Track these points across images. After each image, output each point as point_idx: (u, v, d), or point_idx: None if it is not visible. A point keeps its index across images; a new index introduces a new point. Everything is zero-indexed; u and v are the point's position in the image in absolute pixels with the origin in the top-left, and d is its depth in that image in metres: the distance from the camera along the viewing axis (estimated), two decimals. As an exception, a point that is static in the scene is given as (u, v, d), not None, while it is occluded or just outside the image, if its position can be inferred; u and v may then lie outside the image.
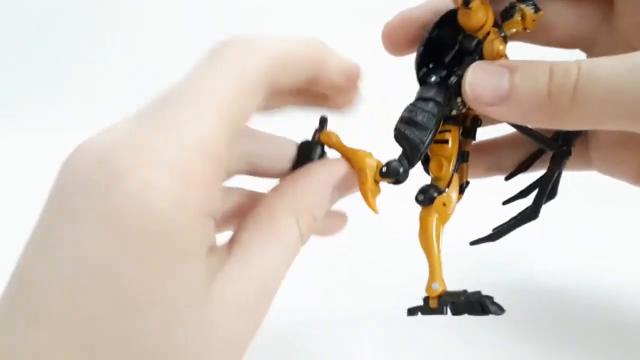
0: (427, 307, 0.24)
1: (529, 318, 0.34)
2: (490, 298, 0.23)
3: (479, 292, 0.24)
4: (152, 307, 0.17)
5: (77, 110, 0.61)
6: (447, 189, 0.25)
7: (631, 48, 0.25)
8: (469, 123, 0.27)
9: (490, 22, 0.24)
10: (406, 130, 0.24)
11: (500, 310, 0.23)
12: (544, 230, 0.28)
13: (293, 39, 0.22)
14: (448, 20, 0.25)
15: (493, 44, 0.24)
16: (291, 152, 0.26)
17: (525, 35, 0.27)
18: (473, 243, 0.28)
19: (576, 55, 0.28)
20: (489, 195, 0.31)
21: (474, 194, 0.27)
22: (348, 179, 0.25)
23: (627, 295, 0.36)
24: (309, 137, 0.27)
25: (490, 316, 0.23)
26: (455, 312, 0.23)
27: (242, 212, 0.24)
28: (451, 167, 0.25)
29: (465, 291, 0.24)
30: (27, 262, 0.18)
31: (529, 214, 0.27)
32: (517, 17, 0.24)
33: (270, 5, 0.62)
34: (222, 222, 0.25)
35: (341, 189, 0.25)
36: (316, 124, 0.27)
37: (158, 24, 0.63)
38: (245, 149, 0.25)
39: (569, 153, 0.27)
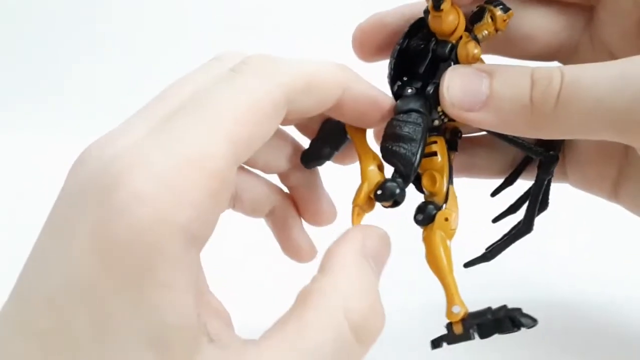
0: (452, 335, 0.22)
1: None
2: (519, 310, 0.21)
3: (504, 307, 0.21)
4: (128, 337, 0.16)
5: (76, 110, 0.61)
6: (445, 204, 0.24)
7: (612, 57, 0.25)
8: (449, 135, 0.26)
9: (462, 26, 0.24)
10: (394, 146, 0.23)
11: (532, 321, 0.21)
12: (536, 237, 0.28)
13: (316, 63, 0.21)
14: (418, 28, 0.25)
15: (467, 46, 0.24)
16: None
17: (504, 50, 0.27)
18: (467, 265, 0.27)
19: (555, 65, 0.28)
20: (479, 205, 0.30)
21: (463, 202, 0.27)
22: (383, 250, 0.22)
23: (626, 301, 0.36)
24: None
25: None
26: (484, 335, 0.21)
27: None
28: (445, 180, 0.24)
29: (489, 308, 0.22)
30: (26, 271, 0.18)
31: (523, 228, 0.26)
32: (487, 18, 0.24)
33: (270, 5, 0.62)
34: None
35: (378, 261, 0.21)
36: None
37: (158, 24, 0.63)
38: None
39: (556, 158, 0.26)
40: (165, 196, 0.16)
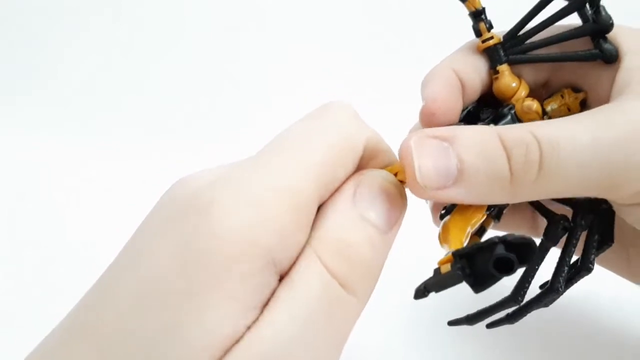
0: (437, 277, 0.19)
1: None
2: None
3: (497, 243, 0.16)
4: (183, 343, 0.16)
5: (69, 108, 0.60)
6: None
7: None
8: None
9: (522, 92, 0.25)
10: None
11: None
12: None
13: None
14: (486, 102, 0.26)
15: (523, 101, 0.25)
16: None
17: None
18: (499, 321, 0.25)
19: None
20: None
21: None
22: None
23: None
24: None
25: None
26: (477, 269, 0.17)
27: None
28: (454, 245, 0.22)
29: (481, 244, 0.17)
30: (100, 285, 0.18)
31: (583, 269, 0.24)
32: (557, 95, 0.25)
33: (269, 5, 0.62)
34: None
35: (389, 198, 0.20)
36: None
37: (157, 21, 0.62)
38: None
39: (565, 226, 0.24)
40: (253, 219, 0.17)
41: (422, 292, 0.19)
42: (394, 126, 0.28)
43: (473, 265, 0.17)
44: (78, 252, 0.41)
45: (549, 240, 0.24)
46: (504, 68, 0.25)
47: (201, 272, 0.16)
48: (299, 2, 0.60)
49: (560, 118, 0.22)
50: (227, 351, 0.16)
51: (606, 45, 0.24)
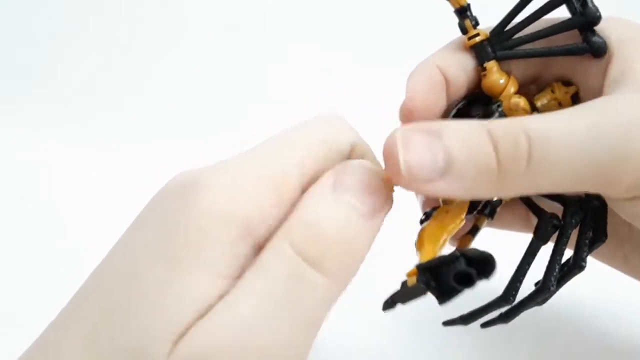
0: (404, 290, 0.19)
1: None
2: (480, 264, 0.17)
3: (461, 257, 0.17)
4: (154, 306, 0.17)
5: (46, 110, 0.60)
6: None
7: None
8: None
9: (511, 89, 0.25)
10: None
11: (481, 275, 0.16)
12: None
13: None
14: (478, 98, 0.26)
15: (510, 98, 0.24)
16: None
17: None
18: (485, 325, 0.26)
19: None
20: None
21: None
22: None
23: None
24: None
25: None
26: (440, 282, 0.17)
27: None
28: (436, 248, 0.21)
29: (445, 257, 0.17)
30: (96, 269, 0.20)
31: (575, 267, 0.24)
32: (548, 90, 0.25)
33: (265, 7, 0.62)
34: None
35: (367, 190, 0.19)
36: None
37: (155, 19, 0.62)
38: None
39: (555, 223, 0.24)
40: (231, 191, 0.18)
41: (389, 304, 0.19)
42: (394, 126, 0.28)
43: (437, 278, 0.17)
44: (78, 252, 0.41)
45: (539, 239, 0.24)
46: (491, 65, 0.25)
47: (178, 241, 0.17)
48: (299, 2, 0.60)
49: (553, 112, 0.21)
50: (198, 318, 0.17)
51: (594, 39, 0.23)
